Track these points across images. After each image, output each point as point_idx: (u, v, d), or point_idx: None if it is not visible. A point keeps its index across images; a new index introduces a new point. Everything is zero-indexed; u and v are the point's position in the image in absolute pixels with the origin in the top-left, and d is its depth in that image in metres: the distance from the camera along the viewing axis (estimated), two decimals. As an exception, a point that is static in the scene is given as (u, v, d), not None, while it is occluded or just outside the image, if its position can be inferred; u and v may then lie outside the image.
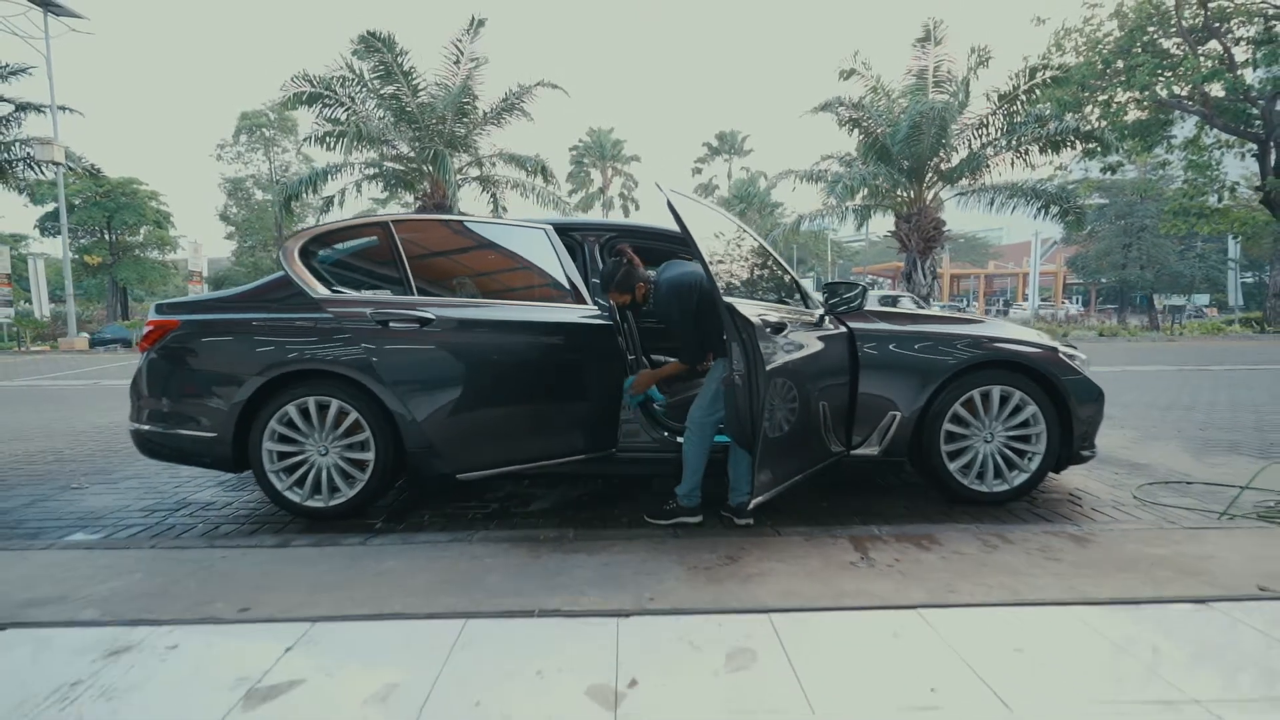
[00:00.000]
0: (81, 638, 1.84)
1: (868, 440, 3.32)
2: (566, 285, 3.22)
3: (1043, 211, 18.47)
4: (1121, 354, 14.32)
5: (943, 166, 18.39)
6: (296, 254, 3.05)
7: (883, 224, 22.92)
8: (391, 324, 2.88)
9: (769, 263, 3.25)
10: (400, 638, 1.83)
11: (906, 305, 16.69)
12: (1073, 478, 3.96)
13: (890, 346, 3.32)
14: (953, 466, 3.33)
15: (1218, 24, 18.58)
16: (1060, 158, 18.69)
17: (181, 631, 1.86)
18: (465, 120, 17.82)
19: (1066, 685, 1.60)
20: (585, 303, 3.19)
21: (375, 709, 1.49)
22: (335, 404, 3.13)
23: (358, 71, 16.89)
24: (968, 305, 43.74)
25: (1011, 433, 3.35)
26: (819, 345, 3.05)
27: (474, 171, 19.52)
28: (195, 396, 3.27)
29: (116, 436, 5.72)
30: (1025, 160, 17.24)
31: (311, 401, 3.14)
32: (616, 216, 42.95)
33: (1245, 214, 21.38)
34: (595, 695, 1.55)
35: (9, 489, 4.03)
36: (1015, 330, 3.60)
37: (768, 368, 2.51)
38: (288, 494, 3.19)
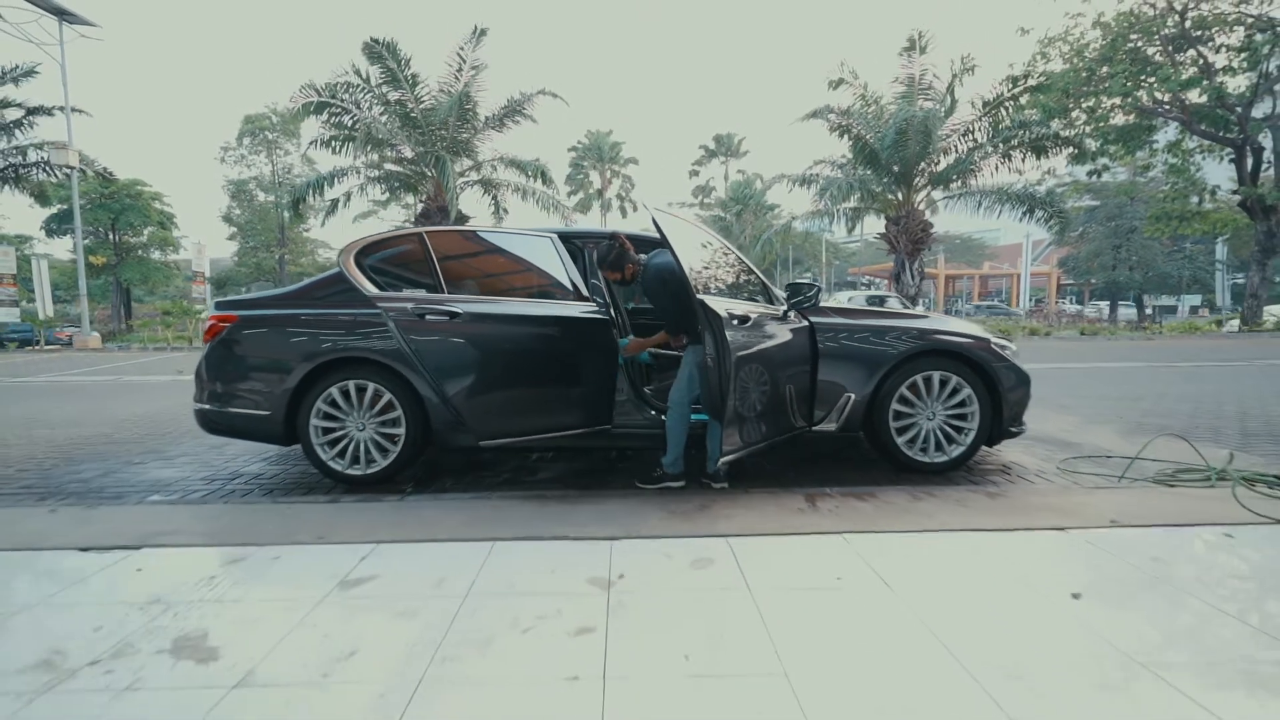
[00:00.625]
0: (203, 553, 2.42)
1: (827, 418, 3.89)
2: (569, 285, 3.79)
3: (1028, 215, 19.09)
4: (1100, 351, 14.92)
5: (929, 171, 19.01)
6: (353, 259, 3.63)
7: (876, 226, 23.54)
8: (428, 317, 3.46)
9: (740, 266, 3.83)
10: (445, 552, 2.41)
11: (893, 305, 17.30)
12: (1010, 453, 4.53)
13: (845, 337, 3.89)
14: (900, 440, 3.90)
15: (1199, 32, 19.22)
16: (1046, 162, 19.33)
17: (278, 549, 2.44)
18: (467, 125, 18.40)
19: (936, 575, 2.19)
20: (586, 300, 3.77)
21: (436, 589, 2.07)
22: (372, 387, 3.70)
23: (365, 75, 17.45)
24: (964, 307, 44.43)
25: (950, 412, 3.92)
26: (781, 335, 3.62)
27: (475, 175, 20.09)
28: (251, 380, 3.84)
29: (157, 423, 6.29)
30: (1009, 165, 17.85)
31: (352, 385, 3.71)
32: (615, 217, 43.61)
33: (1226, 215, 22.03)
34: (594, 582, 2.13)
35: (79, 464, 4.61)
36: (954, 323, 4.18)
37: (733, 352, 3.09)
38: (331, 463, 3.76)
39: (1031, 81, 17.81)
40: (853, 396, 3.85)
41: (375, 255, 3.74)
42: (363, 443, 3.75)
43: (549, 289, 3.83)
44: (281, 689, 1.57)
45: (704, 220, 45.64)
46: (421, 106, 17.49)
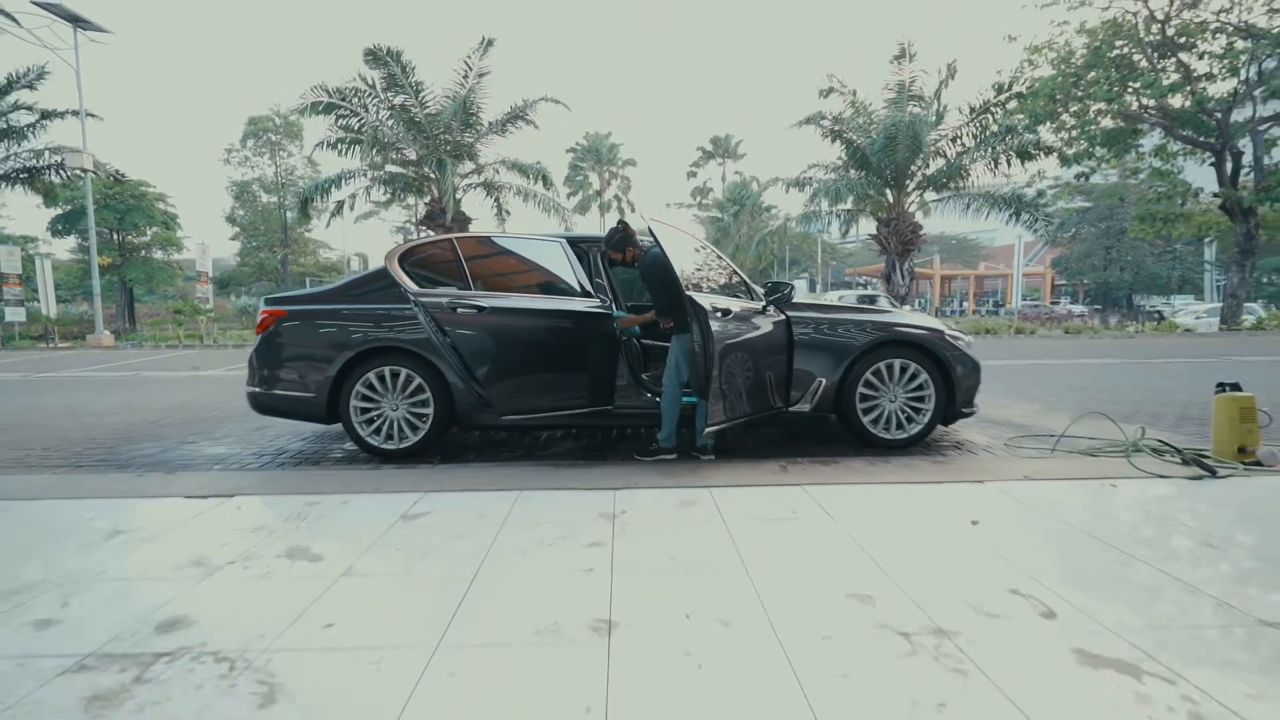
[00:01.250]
0: (285, 499, 2.99)
1: (802, 399, 4.45)
2: (577, 283, 4.36)
3: (1014, 217, 19.71)
4: (1081, 349, 15.52)
5: (921, 174, 19.64)
6: (397, 260, 4.20)
7: (870, 227, 24.14)
8: (458, 309, 4.03)
9: (725, 268, 4.42)
10: (480, 498, 2.99)
11: (883, 305, 17.91)
12: (967, 433, 5.10)
13: (817, 329, 4.46)
14: (866, 420, 4.46)
15: (1182, 39, 19.86)
16: (1031, 165, 19.94)
17: (345, 496, 3.02)
18: (471, 129, 18.97)
19: (869, 510, 2.77)
20: (591, 296, 4.34)
21: (479, 520, 2.65)
22: (404, 372, 4.27)
23: (370, 81, 18.02)
24: (960, 307, 45.10)
25: (909, 394, 4.48)
26: (761, 327, 4.20)
27: (478, 178, 20.65)
28: (298, 367, 4.40)
29: (194, 411, 6.85)
30: (994, 170, 18.48)
31: (387, 370, 4.27)
32: (613, 218, 44.22)
33: (1210, 218, 22.68)
34: (602, 515, 2.71)
35: (138, 443, 5.17)
36: (914, 317, 4.76)
37: (716, 339, 3.66)
38: (368, 439, 4.32)
39: (1018, 88, 18.43)
40: (824, 381, 4.42)
41: (414, 257, 4.32)
42: (396, 421, 4.31)
43: (559, 286, 4.40)
44: (377, 577, 2.14)
45: (702, 221, 46.33)
46: (425, 112, 18.06)
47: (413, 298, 4.11)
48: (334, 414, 4.36)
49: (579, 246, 4.57)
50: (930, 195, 20.30)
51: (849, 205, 20.93)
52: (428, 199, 19.95)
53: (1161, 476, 3.28)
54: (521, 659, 1.65)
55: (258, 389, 4.50)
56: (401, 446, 4.30)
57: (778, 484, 3.22)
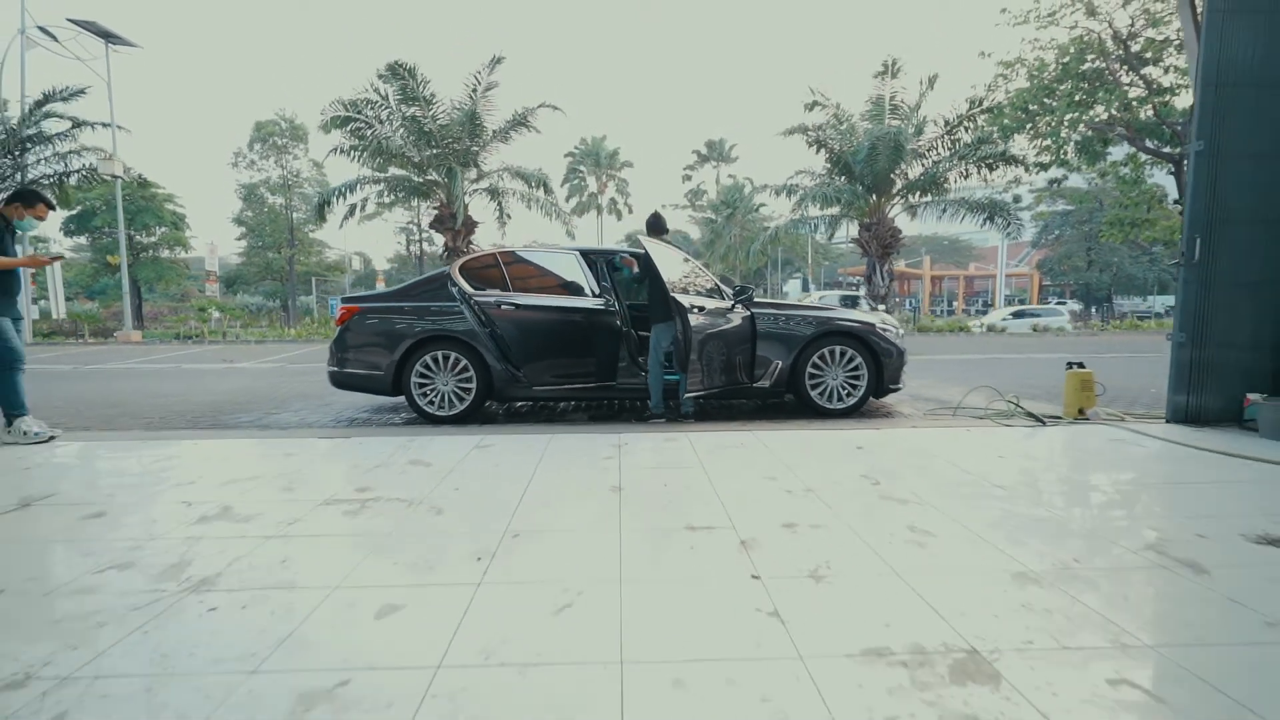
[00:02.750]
0: (388, 439, 4.27)
1: (763, 377, 5.73)
2: (587, 286, 5.64)
3: (989, 221, 21.07)
4: (1043, 345, 16.86)
5: (903, 180, 20.99)
6: (458, 269, 5.49)
7: (856, 230, 25.47)
8: (502, 305, 5.32)
9: (702, 273, 5.71)
10: (526, 437, 4.28)
11: (863, 305, 19.26)
12: (900, 405, 6.39)
13: (775, 322, 5.74)
14: (814, 394, 5.74)
15: (1148, 54, 21.23)
16: (1005, 171, 21.26)
17: (430, 436, 4.29)
18: (477, 139, 20.23)
19: (793, 443, 4.06)
20: (599, 297, 5.62)
21: (528, 448, 3.94)
22: (453, 355, 5.54)
23: (383, 94, 19.28)
24: (950, 308, 46.47)
25: (848, 373, 5.77)
26: (730, 320, 5.48)
27: (483, 184, 21.91)
28: (370, 351, 5.65)
29: (259, 394, 8.07)
30: (965, 176, 19.85)
31: (439, 353, 5.54)
32: (610, 220, 45.50)
33: (1175, 224, 24.06)
34: (611, 446, 4.01)
35: (232, 414, 6.41)
36: (852, 313, 6.05)
37: (693, 329, 4.94)
38: (425, 407, 5.57)
39: (989, 103, 19.80)
40: (780, 363, 5.69)
41: (468, 266, 5.61)
42: (446, 394, 5.57)
43: (574, 288, 5.68)
44: (473, 476, 3.42)
45: (696, 222, 47.76)
46: (437, 124, 19.33)
47: (469, 297, 5.40)
48: (397, 388, 5.62)
49: (589, 257, 5.86)
50: (912, 199, 21.65)
51: (835, 210, 22.28)
52: (435, 204, 21.22)
53: (1008, 426, 4.59)
54: (570, 501, 2.94)
55: (336, 368, 5.76)
56: (450, 414, 5.56)
57: (736, 431, 4.52)
